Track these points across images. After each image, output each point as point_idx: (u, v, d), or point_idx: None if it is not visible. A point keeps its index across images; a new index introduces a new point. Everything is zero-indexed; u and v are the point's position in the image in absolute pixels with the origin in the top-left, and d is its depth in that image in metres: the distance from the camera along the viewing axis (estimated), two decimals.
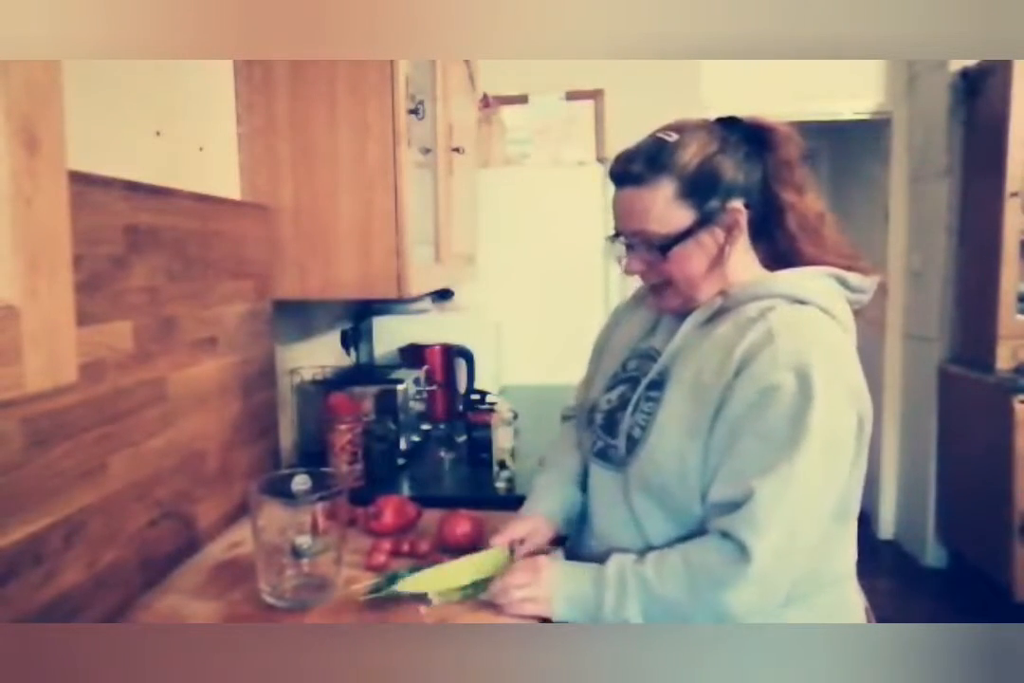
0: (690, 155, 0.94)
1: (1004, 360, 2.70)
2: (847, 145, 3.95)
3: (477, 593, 1.00)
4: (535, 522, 1.09)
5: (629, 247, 1.00)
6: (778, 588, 0.89)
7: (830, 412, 0.86)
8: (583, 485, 1.13)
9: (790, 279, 0.96)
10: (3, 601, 0.79)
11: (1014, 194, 2.63)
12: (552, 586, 0.95)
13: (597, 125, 3.09)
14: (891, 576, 3.09)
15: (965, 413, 2.91)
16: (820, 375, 0.86)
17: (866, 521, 3.54)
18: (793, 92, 3.17)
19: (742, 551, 0.86)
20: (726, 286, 0.98)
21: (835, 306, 0.94)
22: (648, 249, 0.98)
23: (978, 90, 2.85)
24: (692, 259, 0.97)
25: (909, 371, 3.31)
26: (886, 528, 3.49)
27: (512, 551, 1.05)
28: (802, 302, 0.93)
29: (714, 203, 0.95)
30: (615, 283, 2.64)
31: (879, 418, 3.42)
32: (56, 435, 0.87)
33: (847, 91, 3.22)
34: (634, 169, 0.95)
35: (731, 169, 0.95)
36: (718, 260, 0.97)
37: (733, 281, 0.98)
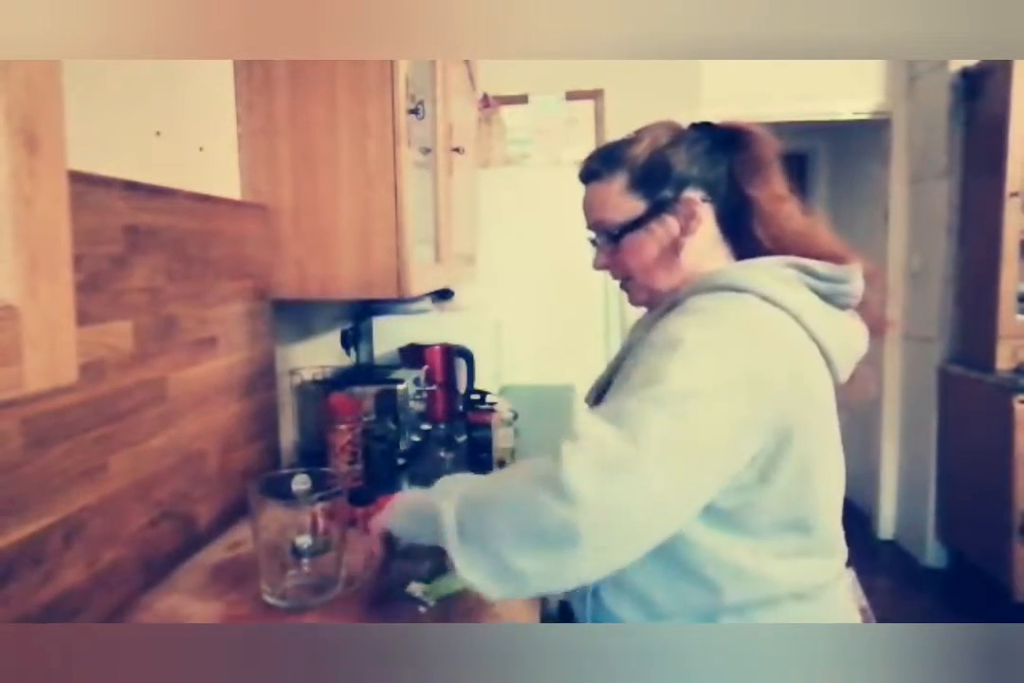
0: (641, 148, 0.99)
1: (1004, 360, 2.70)
2: (847, 145, 3.95)
3: None
4: None
5: (594, 243, 1.06)
6: (620, 479, 0.72)
7: (692, 374, 0.78)
8: None
9: (734, 270, 0.94)
10: (3, 601, 0.79)
11: (1014, 194, 2.64)
12: (391, 505, 0.96)
13: (597, 125, 3.09)
14: (891, 576, 3.09)
15: (965, 413, 2.91)
16: (695, 341, 0.80)
17: (866, 521, 3.54)
18: (793, 92, 3.17)
19: (570, 433, 0.76)
20: (686, 280, 0.98)
21: (782, 295, 0.88)
22: (606, 241, 1.03)
23: (978, 90, 2.85)
24: (643, 247, 1.00)
25: (909, 371, 3.31)
26: (886, 528, 3.49)
27: None
28: (740, 291, 0.89)
29: (666, 193, 0.98)
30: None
31: (879, 418, 3.43)
32: (56, 435, 0.87)
33: (847, 91, 3.22)
34: (593, 166, 1.03)
35: (683, 161, 0.98)
36: (673, 250, 0.98)
37: (694, 275, 0.97)
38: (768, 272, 0.92)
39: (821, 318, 0.90)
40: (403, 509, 0.94)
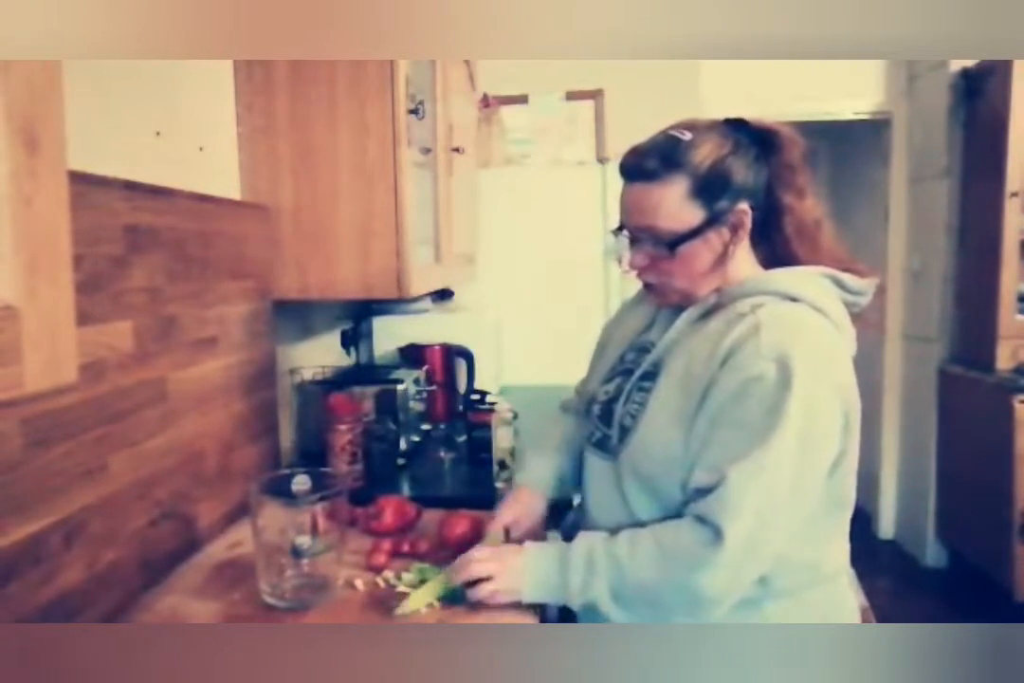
0: (704, 155, 0.95)
1: (1004, 360, 2.70)
2: (847, 145, 3.95)
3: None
4: (522, 499, 1.14)
5: (633, 242, 1.01)
6: (749, 573, 0.90)
7: (809, 403, 0.87)
8: (575, 452, 1.18)
9: (783, 277, 0.97)
10: (3, 601, 0.79)
11: (1014, 194, 2.63)
12: (518, 573, 0.96)
13: (597, 125, 3.09)
14: (891, 576, 3.09)
15: (965, 413, 2.91)
16: (801, 366, 0.87)
17: (866, 521, 3.54)
18: (793, 92, 3.17)
19: (716, 534, 0.87)
20: (723, 284, 1.00)
21: (827, 305, 0.95)
22: (655, 245, 0.99)
23: (978, 90, 2.85)
24: (698, 257, 0.99)
25: (909, 371, 3.30)
26: (886, 528, 3.49)
27: (507, 534, 1.09)
28: (794, 299, 0.94)
29: (723, 203, 0.96)
30: (615, 283, 2.64)
31: (879, 418, 3.42)
32: (56, 435, 0.87)
33: (847, 91, 3.21)
34: (648, 165, 0.96)
35: (741, 171, 0.96)
36: (721, 259, 0.99)
37: (730, 279, 1.00)
38: (814, 282, 0.97)
39: (850, 327, 0.97)
40: (534, 591, 0.95)
